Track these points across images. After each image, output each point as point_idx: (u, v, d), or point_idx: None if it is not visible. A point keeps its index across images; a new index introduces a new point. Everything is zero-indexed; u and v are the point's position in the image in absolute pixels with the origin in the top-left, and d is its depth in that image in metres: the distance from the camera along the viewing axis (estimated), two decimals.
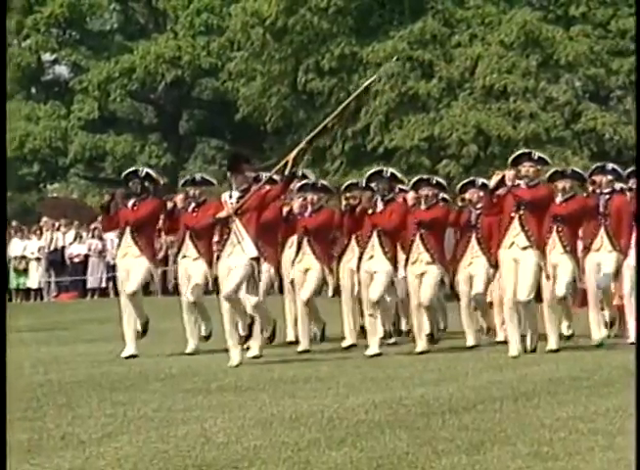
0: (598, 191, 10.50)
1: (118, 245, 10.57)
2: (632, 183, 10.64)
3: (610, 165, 10.92)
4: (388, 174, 10.40)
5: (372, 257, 10.09)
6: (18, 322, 14.38)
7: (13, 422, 6.13)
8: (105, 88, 27.14)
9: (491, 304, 11.29)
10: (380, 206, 10.21)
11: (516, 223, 9.67)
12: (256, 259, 9.18)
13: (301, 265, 10.61)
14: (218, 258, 9.35)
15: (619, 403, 6.36)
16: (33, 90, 28.77)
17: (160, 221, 10.67)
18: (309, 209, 10.70)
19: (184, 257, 10.47)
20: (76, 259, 23.19)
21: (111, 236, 20.42)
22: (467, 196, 10.85)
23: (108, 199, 10.51)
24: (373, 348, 9.96)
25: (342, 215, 10.37)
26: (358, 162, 21.60)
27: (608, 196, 10.49)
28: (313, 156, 22.63)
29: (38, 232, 23.72)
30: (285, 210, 10.69)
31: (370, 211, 10.17)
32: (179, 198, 10.69)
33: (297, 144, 27.84)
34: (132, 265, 10.21)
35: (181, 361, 9.59)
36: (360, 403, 6.65)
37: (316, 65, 22.54)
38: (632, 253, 10.36)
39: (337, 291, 10.78)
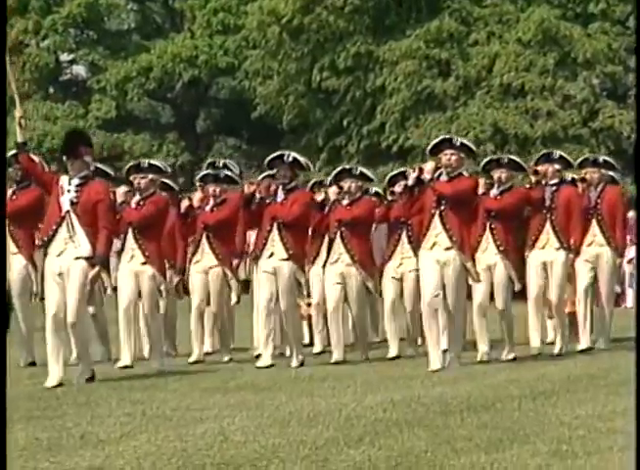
0: (544, 182, 9.44)
1: None
2: (585, 173, 9.71)
3: (557, 153, 9.78)
4: (290, 159, 9.07)
5: (272, 254, 8.94)
6: (42, 321, 14.42)
7: (33, 420, 6.16)
8: (122, 88, 27.22)
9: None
10: (280, 195, 9.00)
11: (437, 221, 8.50)
12: (89, 259, 7.77)
13: (200, 266, 9.41)
14: (46, 254, 7.97)
15: (638, 402, 6.33)
16: (51, 90, 28.85)
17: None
18: (211, 202, 9.45)
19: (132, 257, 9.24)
20: None
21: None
22: (397, 189, 9.57)
23: None
24: (265, 359, 8.85)
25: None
26: (374, 160, 21.58)
27: (555, 187, 9.46)
28: (329, 154, 22.72)
29: None
30: (184, 204, 9.45)
31: (268, 202, 8.96)
32: (120, 191, 9.35)
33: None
34: (11, 264, 9.00)
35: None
36: (378, 402, 6.64)
37: (332, 63, 22.54)
38: (586, 250, 9.59)
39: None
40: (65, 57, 28.73)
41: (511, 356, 9.11)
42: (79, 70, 29.33)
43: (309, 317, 10.57)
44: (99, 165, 9.52)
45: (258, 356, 9.18)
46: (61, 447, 5.35)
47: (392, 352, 9.67)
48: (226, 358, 9.50)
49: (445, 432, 5.60)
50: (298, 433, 5.61)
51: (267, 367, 8.78)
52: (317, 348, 10.14)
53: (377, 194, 10.13)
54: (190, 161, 28.53)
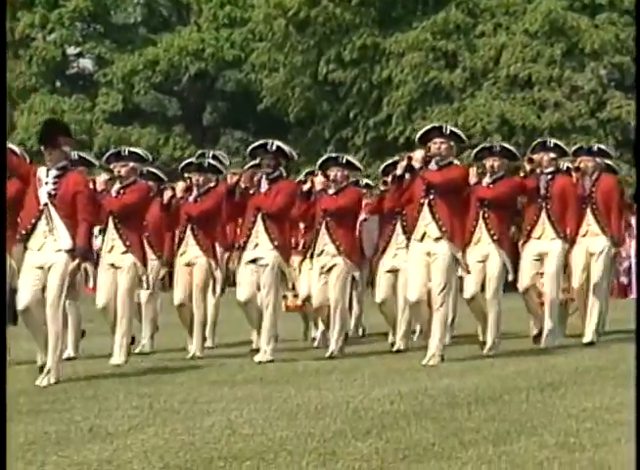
0: (538, 171, 9.18)
1: None
2: (579, 161, 9.51)
3: (552, 141, 9.54)
4: (274, 148, 8.80)
5: (257, 245, 8.73)
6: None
7: (41, 414, 6.18)
8: (129, 81, 27.26)
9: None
10: (264, 185, 8.80)
11: (426, 211, 8.28)
12: (71, 251, 7.50)
13: (185, 258, 9.24)
14: (25, 248, 7.61)
15: (638, 396, 6.34)
16: (58, 83, 28.89)
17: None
18: (194, 192, 9.24)
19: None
20: None
21: None
22: (388, 179, 9.08)
23: None
24: (266, 354, 8.66)
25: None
26: (381, 153, 21.58)
27: (550, 176, 9.23)
28: (335, 147, 22.71)
29: None
30: (167, 194, 9.21)
31: (252, 192, 8.74)
32: (101, 180, 8.94)
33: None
34: None
35: (206, 353, 9.60)
36: (385, 394, 6.64)
37: (338, 56, 22.55)
38: (581, 240, 9.37)
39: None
40: (71, 50, 28.76)
41: (492, 352, 8.82)
42: (86, 63, 29.36)
43: (297, 308, 10.39)
44: (82, 154, 9.29)
45: (257, 350, 9.02)
46: (69, 441, 5.37)
47: (400, 344, 9.62)
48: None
49: (453, 424, 5.60)
50: (306, 426, 5.61)
51: (268, 362, 8.70)
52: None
53: (368, 185, 9.84)
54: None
